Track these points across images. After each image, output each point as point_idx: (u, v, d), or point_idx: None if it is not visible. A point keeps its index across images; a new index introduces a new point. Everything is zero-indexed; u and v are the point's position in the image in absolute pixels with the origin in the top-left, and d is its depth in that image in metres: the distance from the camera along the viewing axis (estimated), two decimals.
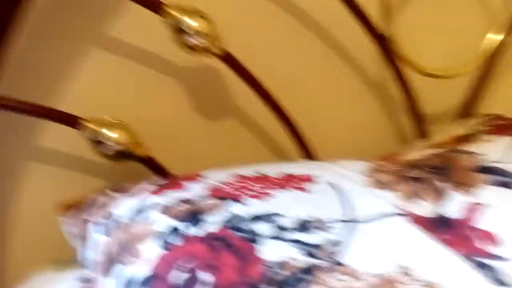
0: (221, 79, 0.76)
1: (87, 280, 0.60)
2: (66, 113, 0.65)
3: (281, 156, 0.81)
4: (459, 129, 0.76)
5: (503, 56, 0.87)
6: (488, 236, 0.53)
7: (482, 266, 0.49)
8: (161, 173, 0.70)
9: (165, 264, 0.49)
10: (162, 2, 0.63)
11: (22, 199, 0.71)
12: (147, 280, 0.48)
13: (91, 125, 0.64)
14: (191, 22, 0.63)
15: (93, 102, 0.69)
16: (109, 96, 0.71)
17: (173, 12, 0.63)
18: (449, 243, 0.52)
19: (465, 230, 0.53)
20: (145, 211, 0.55)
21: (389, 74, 0.79)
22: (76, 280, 0.63)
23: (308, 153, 0.77)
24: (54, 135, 0.70)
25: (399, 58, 0.77)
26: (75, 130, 0.65)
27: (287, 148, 0.80)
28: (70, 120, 0.64)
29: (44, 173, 0.71)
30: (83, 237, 0.61)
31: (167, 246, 0.50)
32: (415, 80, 0.80)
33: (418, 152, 0.68)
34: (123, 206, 0.58)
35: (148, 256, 0.50)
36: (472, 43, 0.84)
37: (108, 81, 0.71)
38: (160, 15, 0.64)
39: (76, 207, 0.65)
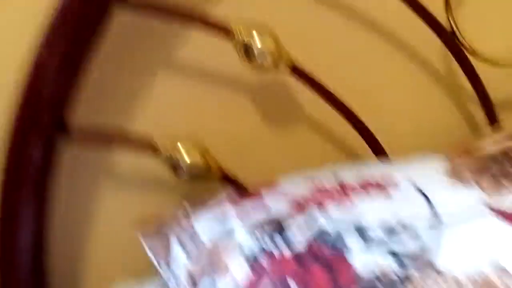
0: (288, 89, 0.76)
1: None
2: (143, 140, 0.67)
3: (352, 158, 0.81)
4: None
5: None
6: None
7: None
8: (238, 189, 0.71)
9: (252, 282, 0.49)
10: (228, 27, 0.64)
11: (101, 228, 0.74)
12: None
13: (167, 151, 0.66)
14: (257, 43, 0.64)
15: (167, 125, 0.72)
16: (182, 117, 0.73)
17: (239, 34, 0.64)
18: None
19: None
20: (228, 228, 0.57)
21: (456, 66, 0.78)
22: None
23: (380, 153, 0.76)
24: (129, 161, 0.72)
25: (465, 50, 0.75)
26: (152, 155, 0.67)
27: (358, 149, 0.79)
28: (147, 147, 0.66)
29: (123, 192, 0.74)
30: (164, 254, 0.62)
31: (253, 264, 0.51)
32: (482, 71, 0.78)
33: (496, 144, 0.67)
34: (205, 222, 0.59)
35: (235, 272, 0.51)
36: None
37: (182, 103, 0.73)
38: (228, 38, 0.65)
39: (156, 223, 0.66)
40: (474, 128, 0.86)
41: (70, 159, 0.68)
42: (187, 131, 0.70)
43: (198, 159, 0.66)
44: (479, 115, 0.83)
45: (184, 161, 0.66)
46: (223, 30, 0.65)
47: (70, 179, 0.70)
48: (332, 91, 0.71)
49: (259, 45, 0.64)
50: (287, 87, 0.76)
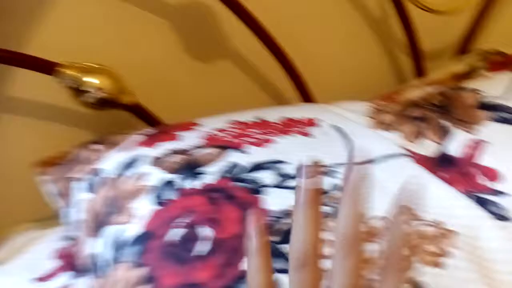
0: (214, 17, 0.70)
1: (71, 239, 0.57)
2: (41, 59, 0.59)
3: (279, 99, 0.78)
4: (458, 66, 0.74)
5: None
6: (489, 172, 0.52)
7: (484, 202, 0.49)
8: (151, 122, 0.66)
9: (160, 220, 0.45)
10: None
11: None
12: (140, 239, 0.45)
13: (69, 71, 0.59)
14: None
15: (71, 47, 0.64)
16: (89, 39, 0.65)
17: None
18: (451, 180, 0.51)
19: (466, 167, 0.53)
20: (136, 165, 0.52)
21: (390, 9, 0.75)
22: (59, 239, 0.60)
23: (306, 95, 0.74)
24: (30, 84, 0.64)
25: None
26: (53, 78, 0.60)
27: (285, 91, 0.76)
28: (46, 67, 0.59)
29: (21, 126, 0.66)
30: (64, 195, 0.57)
31: (161, 201, 0.47)
32: (415, 16, 0.76)
33: (418, 90, 0.66)
34: (110, 161, 0.54)
35: (140, 213, 0.47)
36: None
37: (87, 23, 0.65)
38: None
39: (56, 163, 0.60)
40: (401, 77, 0.86)
41: None
42: (95, 55, 0.63)
43: (105, 83, 0.60)
44: (408, 64, 0.82)
45: (89, 84, 0.59)
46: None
47: None
48: (261, 24, 0.66)
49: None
50: (213, 15, 0.71)
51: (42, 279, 0.56)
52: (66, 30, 0.64)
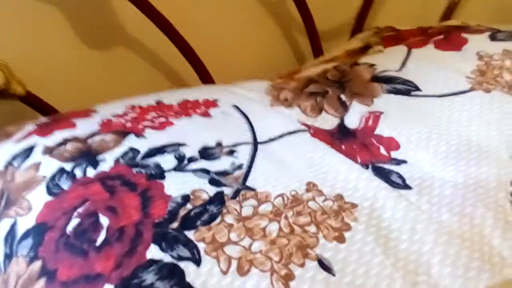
0: (108, 6, 0.68)
1: None
2: None
3: (179, 84, 0.77)
4: (353, 43, 0.76)
5: None
6: (387, 142, 0.54)
7: (383, 172, 0.50)
8: (46, 112, 0.63)
9: (53, 211, 0.44)
10: None
11: None
12: (36, 231, 0.43)
13: None
14: None
15: None
16: None
17: None
18: (351, 152, 0.52)
19: (365, 138, 0.54)
20: (30, 155, 0.49)
21: None
22: None
23: (206, 79, 0.73)
24: None
25: None
26: None
27: (186, 76, 0.75)
28: None
29: None
30: None
31: (54, 191, 0.45)
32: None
33: (315, 67, 0.67)
34: (4, 152, 0.51)
35: (34, 205, 0.45)
36: None
37: None
38: None
39: None
40: (301, 58, 0.87)
41: None
42: None
43: None
44: (306, 45, 0.84)
45: None
46: None
47: None
48: (155, 7, 0.65)
49: None
50: (109, 4, 0.68)
51: None
52: None
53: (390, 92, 0.59)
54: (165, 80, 0.76)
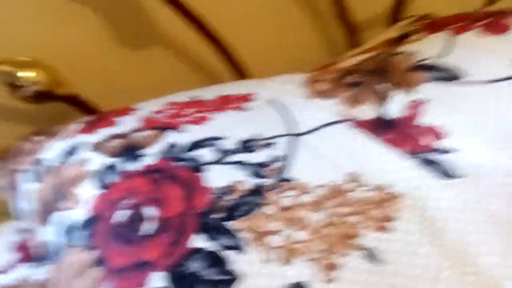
0: (141, 5, 0.70)
1: (25, 231, 0.57)
2: None
3: (214, 81, 0.77)
4: (391, 32, 0.75)
5: None
6: (431, 131, 0.53)
7: (428, 162, 0.50)
8: (89, 111, 0.66)
9: (104, 203, 0.46)
10: None
11: None
12: (88, 223, 0.45)
13: (3, 67, 0.58)
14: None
15: (1, 42, 0.62)
16: (19, 33, 0.64)
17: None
18: (393, 142, 0.52)
19: (408, 128, 0.53)
20: (76, 152, 0.51)
21: None
22: (14, 232, 0.60)
23: (241, 75, 0.74)
24: None
25: None
26: None
27: (221, 74, 0.76)
28: None
29: None
30: (13, 188, 0.56)
31: (104, 185, 0.47)
32: None
33: (353, 58, 0.67)
34: (52, 150, 0.54)
35: (85, 198, 0.47)
36: None
37: (16, 16, 0.64)
38: None
39: (1, 158, 0.60)
40: (336, 51, 0.86)
41: None
42: (29, 50, 0.62)
43: (40, 76, 0.59)
44: (342, 37, 0.83)
45: (24, 78, 0.59)
46: None
47: None
48: (189, 7, 0.66)
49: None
50: (141, 3, 0.70)
51: (0, 272, 0.56)
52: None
53: (431, 80, 0.58)
54: (201, 78, 0.77)
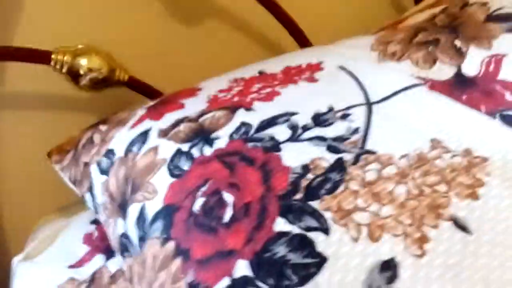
0: None
1: (97, 222, 0.57)
2: (34, 50, 0.58)
3: (276, 51, 0.75)
4: None
5: None
6: None
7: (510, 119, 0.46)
8: (150, 95, 0.65)
9: (179, 192, 0.44)
10: None
11: (3, 156, 0.66)
12: (166, 213, 0.44)
13: (63, 57, 0.58)
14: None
15: (57, 32, 0.62)
16: (73, 22, 0.64)
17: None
18: (474, 102, 0.48)
19: (489, 84, 0.50)
20: (146, 140, 0.50)
21: None
22: (86, 224, 0.60)
23: (303, 41, 0.71)
24: (23, 78, 0.63)
25: None
26: (48, 67, 0.58)
27: (282, 41, 0.74)
28: (41, 56, 0.58)
29: (25, 120, 0.65)
30: (82, 180, 0.56)
31: (178, 173, 0.46)
32: None
33: (421, 14, 0.63)
34: (120, 139, 0.53)
35: (159, 187, 0.46)
36: None
37: (69, 5, 0.63)
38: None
39: (68, 149, 0.59)
40: (401, 8, 0.82)
41: None
42: (82, 36, 0.62)
43: (98, 63, 0.59)
44: None
45: (83, 66, 0.60)
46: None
47: None
48: None
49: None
50: None
51: (75, 265, 0.57)
52: (48, 16, 0.62)
53: (509, 31, 0.53)
54: (262, 49, 0.75)
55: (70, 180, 0.58)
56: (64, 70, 0.59)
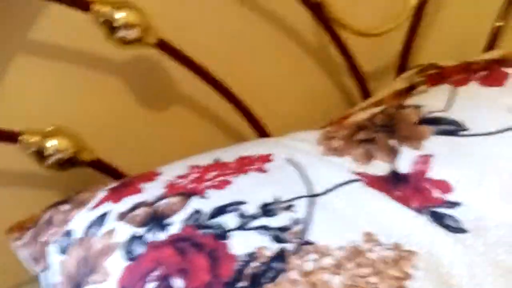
0: (160, 67, 0.73)
1: None
2: (3, 130, 0.61)
3: (236, 137, 0.80)
4: (398, 84, 0.78)
5: (429, 5, 0.88)
6: (442, 185, 0.55)
7: (438, 216, 0.52)
8: (114, 176, 0.68)
9: (132, 276, 0.47)
10: (89, 0, 0.60)
11: None
12: None
13: (31, 138, 0.61)
14: (119, 15, 0.60)
15: (29, 114, 0.66)
16: (43, 104, 0.67)
17: (99, 7, 0.60)
18: (405, 198, 0.54)
19: (417, 183, 0.55)
20: (104, 222, 0.54)
21: (327, 38, 0.79)
22: None
23: (260, 129, 0.76)
24: None
25: (333, 22, 0.76)
26: (14, 145, 0.61)
27: (240, 128, 0.79)
28: (9, 136, 0.61)
29: None
30: (39, 259, 0.58)
31: (132, 256, 0.49)
32: (351, 41, 0.80)
33: (363, 112, 0.69)
34: (79, 220, 0.56)
35: (114, 271, 0.48)
36: None
37: (40, 88, 0.67)
38: (87, 12, 0.60)
39: (28, 227, 0.61)
40: (350, 100, 0.89)
41: None
42: (53, 118, 0.65)
43: (64, 144, 0.62)
44: (354, 86, 0.86)
45: (50, 148, 0.62)
46: (83, 4, 0.60)
47: None
48: (204, 68, 0.69)
49: (119, 17, 0.60)
50: (159, 66, 0.73)
51: None
52: (22, 97, 0.66)
53: (438, 133, 0.60)
54: (222, 135, 0.80)
55: (24, 258, 0.60)
56: (31, 150, 0.62)
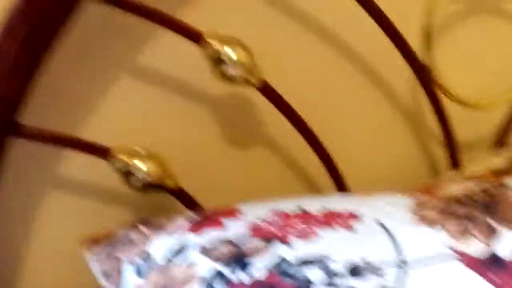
0: (252, 107, 0.73)
1: None
2: (96, 144, 0.62)
3: (312, 186, 0.79)
4: (496, 161, 0.74)
5: None
6: None
7: None
8: (191, 206, 0.68)
9: None
10: (201, 32, 0.61)
11: (44, 232, 0.68)
12: None
13: (121, 156, 0.62)
14: (231, 53, 0.61)
15: (123, 132, 0.67)
16: (139, 125, 0.69)
17: (213, 42, 0.61)
18: (503, 286, 0.49)
19: None
20: (184, 252, 0.53)
21: (425, 102, 0.77)
22: None
23: (340, 184, 0.74)
24: (80, 166, 0.67)
25: (437, 87, 0.74)
26: (104, 160, 0.62)
27: (319, 178, 0.77)
28: (101, 151, 0.62)
29: (67, 205, 0.68)
30: (110, 275, 0.57)
31: None
32: (449, 108, 0.78)
33: (459, 185, 0.66)
34: (159, 245, 0.55)
35: None
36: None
37: (137, 108, 0.69)
38: (199, 45, 0.61)
39: (103, 242, 0.62)
40: (435, 169, 0.86)
41: (19, 162, 0.63)
42: (144, 139, 0.66)
43: (152, 168, 0.62)
44: (442, 155, 0.83)
45: (138, 169, 0.62)
46: (195, 36, 0.62)
47: (17, 182, 0.65)
48: (299, 115, 0.69)
49: (233, 56, 0.61)
50: (253, 105, 0.73)
51: None
52: (120, 116, 0.67)
53: None
54: (300, 182, 0.78)
55: (96, 271, 0.60)
56: (119, 168, 0.62)
